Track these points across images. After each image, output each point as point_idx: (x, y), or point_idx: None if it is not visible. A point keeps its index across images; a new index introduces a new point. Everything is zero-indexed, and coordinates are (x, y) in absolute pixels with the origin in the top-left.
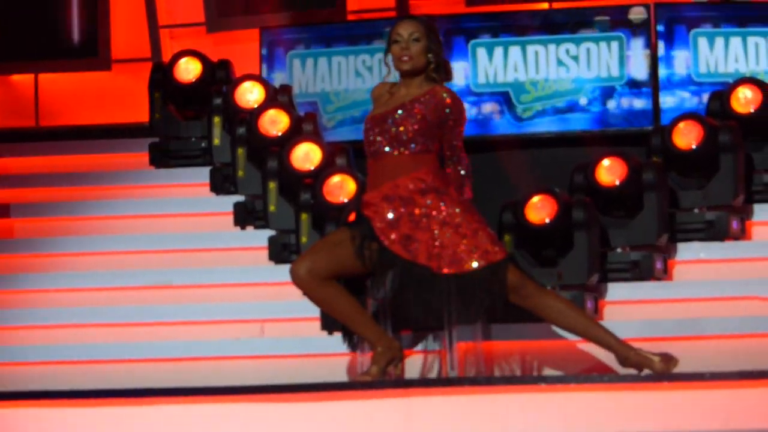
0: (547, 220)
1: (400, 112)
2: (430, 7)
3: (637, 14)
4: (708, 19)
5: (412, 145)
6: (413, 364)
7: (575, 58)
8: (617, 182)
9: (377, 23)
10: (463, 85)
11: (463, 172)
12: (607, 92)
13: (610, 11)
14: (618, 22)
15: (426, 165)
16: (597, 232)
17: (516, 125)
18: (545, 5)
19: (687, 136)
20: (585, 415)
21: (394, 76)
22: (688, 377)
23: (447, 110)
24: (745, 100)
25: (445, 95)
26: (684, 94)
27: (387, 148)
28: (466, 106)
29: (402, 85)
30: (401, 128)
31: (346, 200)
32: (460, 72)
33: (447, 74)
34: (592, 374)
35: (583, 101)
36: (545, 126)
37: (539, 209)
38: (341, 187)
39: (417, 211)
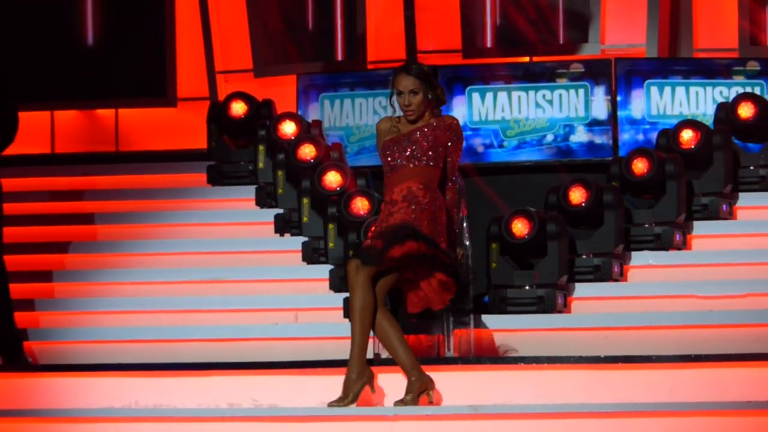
0: (527, 235)
1: (418, 134)
2: (434, 59)
3: (575, 68)
4: (659, 71)
5: (424, 160)
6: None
7: (550, 102)
8: (583, 203)
9: (391, 72)
10: (461, 122)
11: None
12: (575, 129)
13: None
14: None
15: (428, 178)
16: (566, 242)
17: (502, 155)
18: (526, 59)
19: (640, 166)
20: (555, 389)
21: (399, 110)
22: (640, 359)
23: (449, 132)
24: (687, 137)
25: (450, 121)
26: (638, 133)
27: (403, 162)
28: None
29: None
30: (415, 146)
31: (364, 214)
32: (459, 112)
33: (442, 101)
34: (561, 356)
35: (555, 137)
36: (525, 156)
37: (520, 226)
38: (360, 204)
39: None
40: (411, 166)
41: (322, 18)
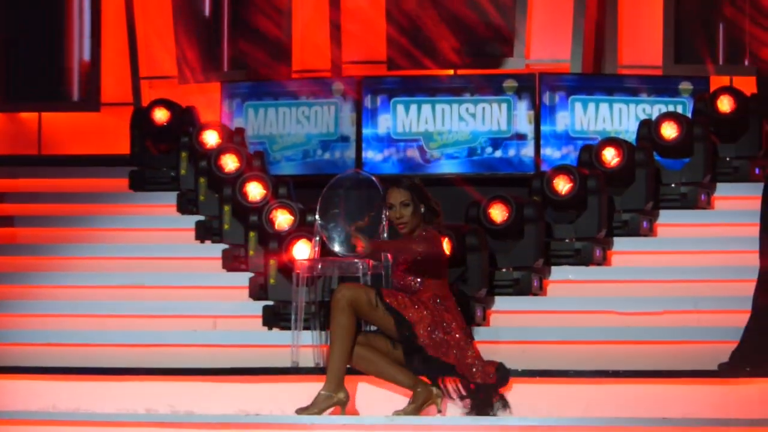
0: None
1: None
2: (358, 69)
3: (510, 84)
4: (583, 88)
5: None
6: None
7: (473, 115)
8: (503, 220)
9: (315, 81)
10: (384, 133)
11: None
12: (497, 143)
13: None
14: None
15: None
16: (486, 255)
17: (422, 166)
18: (451, 72)
19: (561, 183)
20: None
21: None
22: (557, 374)
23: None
24: (609, 155)
25: (428, 234)
26: (561, 147)
27: None
28: (388, 151)
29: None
30: None
31: (285, 225)
32: (383, 123)
33: (436, 212)
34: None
35: (476, 149)
36: (447, 168)
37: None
38: (281, 215)
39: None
40: None
41: (245, 27)
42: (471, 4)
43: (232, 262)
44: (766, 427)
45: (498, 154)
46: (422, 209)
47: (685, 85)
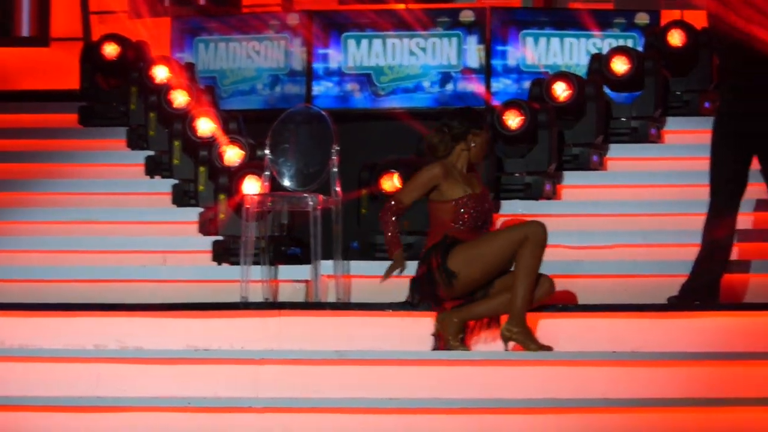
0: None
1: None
2: (310, 4)
3: (466, 17)
4: (534, 22)
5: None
6: (285, 291)
7: (423, 50)
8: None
9: (266, 16)
10: (335, 67)
11: None
12: (447, 78)
13: (450, 12)
14: (457, 22)
15: None
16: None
17: (373, 101)
18: (402, 6)
19: (511, 118)
20: (418, 335)
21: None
22: None
23: None
24: (559, 89)
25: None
26: (512, 82)
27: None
28: (338, 86)
29: (459, 166)
30: (490, 208)
31: (235, 160)
32: (334, 57)
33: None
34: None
35: (427, 84)
36: (396, 102)
37: (391, 181)
38: (231, 150)
39: None
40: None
41: None
42: None
43: (182, 197)
44: (715, 360)
45: (449, 88)
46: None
47: (642, 17)
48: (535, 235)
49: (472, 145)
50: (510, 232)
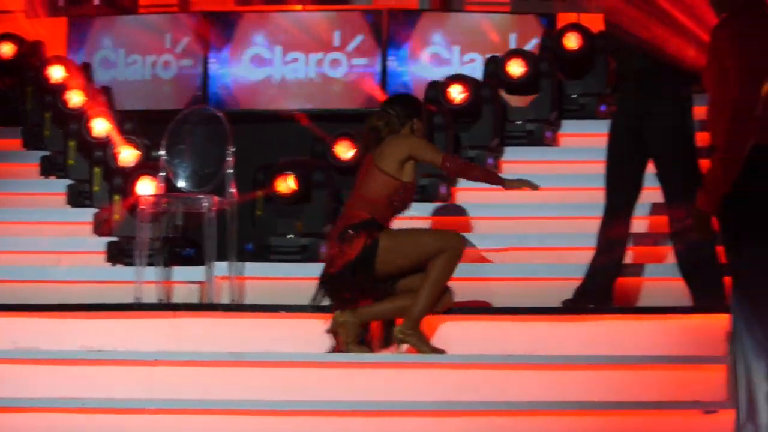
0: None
1: None
2: (206, 4)
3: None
4: (431, 24)
5: None
6: (179, 292)
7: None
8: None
9: (162, 17)
10: (233, 68)
11: None
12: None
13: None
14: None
15: None
16: (332, 191)
17: (269, 102)
18: (299, 7)
19: None
20: (319, 337)
21: None
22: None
23: None
24: (455, 92)
25: None
26: (409, 84)
27: None
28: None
29: None
30: None
31: (131, 162)
32: (233, 58)
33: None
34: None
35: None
36: (291, 104)
37: (286, 182)
38: (126, 151)
39: None
40: None
41: None
42: None
43: (77, 197)
44: (609, 364)
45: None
46: None
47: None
48: (456, 249)
49: (414, 131)
50: (435, 236)
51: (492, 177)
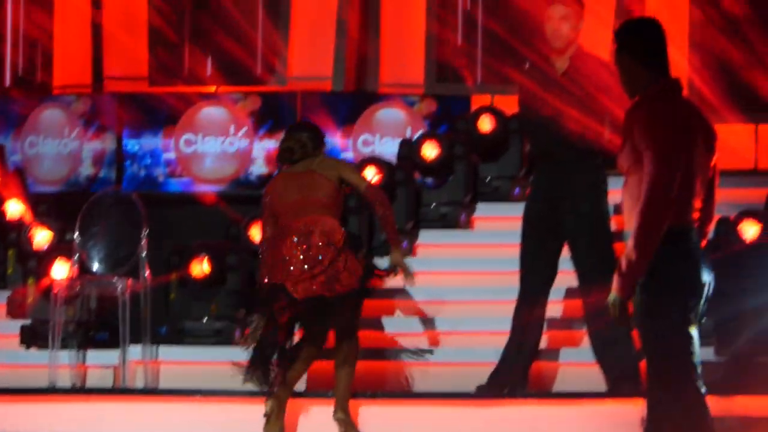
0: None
1: None
2: (120, 85)
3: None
4: (345, 106)
5: None
6: (93, 375)
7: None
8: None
9: (77, 98)
10: (146, 151)
11: None
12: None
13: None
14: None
15: None
16: (247, 273)
17: (183, 185)
18: (212, 89)
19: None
20: (234, 420)
21: None
22: (315, 394)
23: None
24: (369, 174)
25: None
26: None
27: None
28: (143, 169)
29: None
30: None
31: (44, 244)
32: (144, 140)
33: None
34: (236, 389)
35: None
36: (205, 187)
37: (201, 265)
38: (39, 234)
39: None
40: None
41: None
42: (230, 21)
43: None
44: None
45: (255, 172)
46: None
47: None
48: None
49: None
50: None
51: (392, 235)
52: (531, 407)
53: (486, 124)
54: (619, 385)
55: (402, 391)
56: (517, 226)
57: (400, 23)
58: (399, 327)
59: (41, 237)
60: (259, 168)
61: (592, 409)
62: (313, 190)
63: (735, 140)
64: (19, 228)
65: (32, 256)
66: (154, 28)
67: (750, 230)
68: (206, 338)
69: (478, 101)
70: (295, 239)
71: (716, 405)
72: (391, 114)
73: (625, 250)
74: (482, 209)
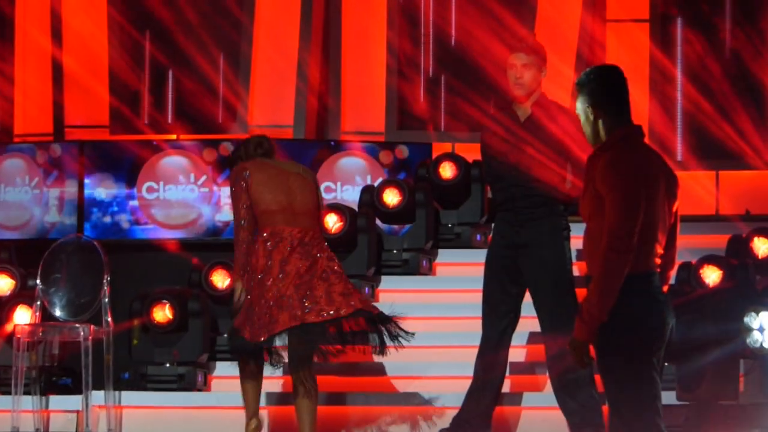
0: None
1: None
2: (82, 134)
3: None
4: (305, 154)
5: None
6: (56, 421)
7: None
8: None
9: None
10: (108, 197)
11: None
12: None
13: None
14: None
15: None
16: (208, 318)
17: (148, 231)
18: (174, 136)
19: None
20: None
21: None
22: None
23: None
24: (331, 221)
25: None
26: None
27: None
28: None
29: None
30: None
31: (7, 291)
32: (106, 187)
33: None
34: None
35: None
36: (172, 234)
37: (163, 311)
38: (2, 280)
39: None
40: None
41: None
42: (191, 68)
43: None
44: None
45: (220, 218)
46: None
47: (400, 152)
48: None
49: None
50: None
51: (236, 266)
52: None
53: (447, 171)
54: (581, 430)
55: None
56: (479, 271)
57: (360, 71)
58: (362, 372)
59: (3, 284)
60: (222, 215)
61: None
62: (307, 196)
63: (696, 186)
64: None
65: None
66: (115, 77)
67: (711, 275)
68: (169, 383)
69: (439, 149)
70: (298, 264)
71: None
72: (352, 162)
73: (587, 294)
74: (444, 255)
